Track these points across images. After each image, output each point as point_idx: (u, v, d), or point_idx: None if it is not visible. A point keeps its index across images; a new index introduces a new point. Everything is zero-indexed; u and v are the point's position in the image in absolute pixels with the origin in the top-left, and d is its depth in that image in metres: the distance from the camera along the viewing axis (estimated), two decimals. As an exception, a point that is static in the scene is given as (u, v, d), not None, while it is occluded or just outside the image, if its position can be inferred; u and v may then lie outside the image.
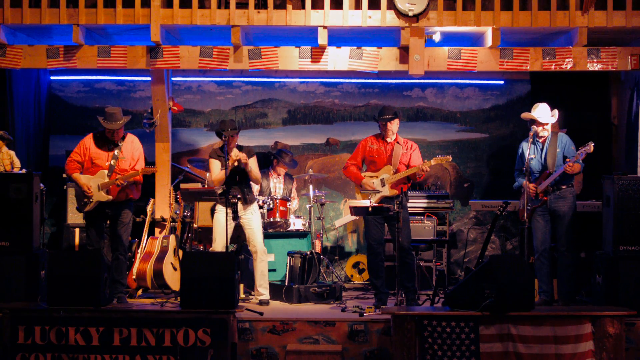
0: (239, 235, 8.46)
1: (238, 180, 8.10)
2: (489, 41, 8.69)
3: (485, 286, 6.68)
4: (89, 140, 7.92)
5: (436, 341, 6.65)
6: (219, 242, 8.02)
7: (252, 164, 8.16)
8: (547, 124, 7.99)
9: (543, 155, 8.01)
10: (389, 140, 8.17)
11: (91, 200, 7.75)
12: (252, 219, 8.17)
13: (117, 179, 7.70)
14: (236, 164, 7.94)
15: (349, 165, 8.33)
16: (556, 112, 8.02)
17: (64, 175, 7.84)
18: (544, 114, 7.99)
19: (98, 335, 6.74)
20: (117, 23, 8.65)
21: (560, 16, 8.58)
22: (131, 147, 7.96)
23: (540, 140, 8.06)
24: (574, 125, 8.05)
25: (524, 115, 8.10)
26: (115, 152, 7.83)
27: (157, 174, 9.48)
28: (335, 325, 7.13)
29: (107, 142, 7.88)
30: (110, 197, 7.76)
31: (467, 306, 6.77)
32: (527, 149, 7.91)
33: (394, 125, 8.11)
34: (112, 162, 7.81)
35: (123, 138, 7.93)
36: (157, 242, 8.79)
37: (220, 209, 8.07)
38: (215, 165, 8.14)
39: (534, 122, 8.01)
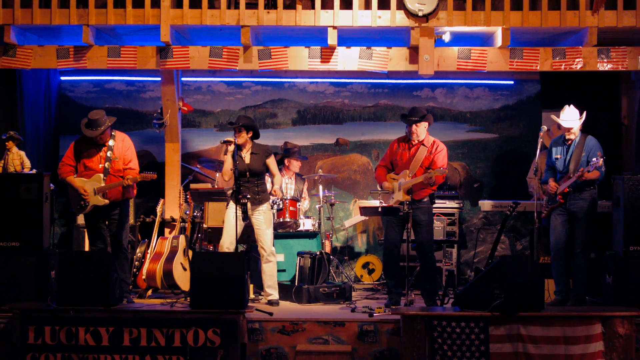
0: (248, 235, 8.43)
1: (249, 177, 8.01)
2: (498, 41, 8.67)
3: (495, 286, 6.68)
4: (76, 145, 7.79)
5: (446, 341, 6.64)
6: (226, 239, 7.95)
7: (271, 164, 8.13)
8: (571, 128, 7.89)
9: (568, 157, 7.94)
10: (414, 142, 7.98)
11: (87, 203, 7.65)
12: (260, 219, 8.07)
13: (122, 181, 7.62)
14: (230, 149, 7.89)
15: (378, 167, 8.23)
16: (577, 113, 7.92)
17: (60, 178, 7.75)
18: (568, 117, 7.90)
19: (108, 335, 6.75)
20: (127, 23, 8.68)
21: (570, 16, 8.56)
22: (122, 146, 7.82)
23: (567, 143, 8.00)
24: (584, 125, 8.01)
25: (553, 117, 8.08)
26: (108, 153, 7.70)
27: (166, 174, 9.52)
28: (344, 326, 7.12)
29: (95, 144, 7.74)
30: (106, 201, 7.66)
31: (477, 306, 6.76)
32: (554, 149, 8.01)
33: (419, 128, 7.88)
34: (107, 164, 7.68)
35: (113, 137, 7.79)
36: (167, 243, 8.78)
37: (232, 205, 7.98)
38: (227, 159, 8.06)
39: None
